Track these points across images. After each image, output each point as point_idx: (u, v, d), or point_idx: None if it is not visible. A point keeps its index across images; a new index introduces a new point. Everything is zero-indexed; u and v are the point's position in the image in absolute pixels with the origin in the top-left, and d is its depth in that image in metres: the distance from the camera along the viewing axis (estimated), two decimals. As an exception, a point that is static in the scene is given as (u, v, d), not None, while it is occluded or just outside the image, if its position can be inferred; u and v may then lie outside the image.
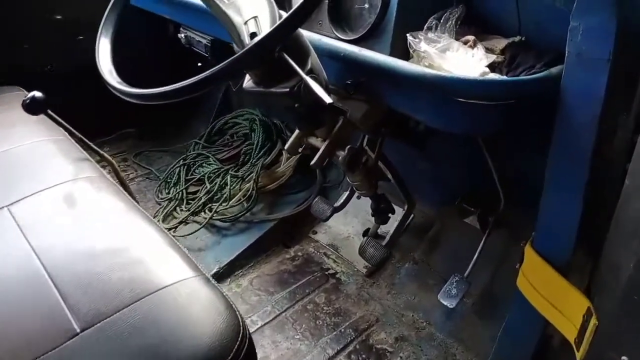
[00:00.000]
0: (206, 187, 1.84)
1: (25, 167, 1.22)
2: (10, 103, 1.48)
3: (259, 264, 1.61)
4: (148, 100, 0.78)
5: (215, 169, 1.91)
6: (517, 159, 1.27)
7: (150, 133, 2.38)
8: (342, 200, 1.54)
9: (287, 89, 0.91)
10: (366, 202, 1.54)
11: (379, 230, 1.59)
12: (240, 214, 1.68)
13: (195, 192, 1.90)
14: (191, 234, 1.65)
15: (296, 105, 0.95)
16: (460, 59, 1.02)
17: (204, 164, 1.97)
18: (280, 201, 1.78)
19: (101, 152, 1.37)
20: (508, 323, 1.09)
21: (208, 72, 0.72)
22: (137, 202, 1.33)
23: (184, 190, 1.89)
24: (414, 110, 0.97)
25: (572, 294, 0.93)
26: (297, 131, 1.21)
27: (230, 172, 1.85)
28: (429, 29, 1.05)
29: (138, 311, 0.83)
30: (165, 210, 1.83)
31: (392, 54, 1.04)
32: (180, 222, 1.74)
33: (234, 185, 1.78)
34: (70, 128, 1.32)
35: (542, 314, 0.99)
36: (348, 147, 1.10)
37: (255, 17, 0.82)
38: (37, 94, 1.23)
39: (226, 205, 1.70)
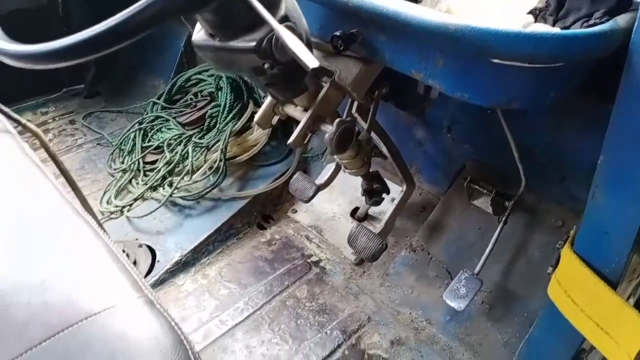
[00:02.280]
0: (166, 156, 1.57)
1: None
2: None
3: (229, 250, 1.37)
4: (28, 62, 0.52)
5: (176, 134, 1.63)
6: (545, 130, 1.04)
7: (103, 91, 2.07)
8: (326, 176, 1.30)
9: (253, 44, 0.66)
10: (355, 178, 1.31)
11: (370, 211, 1.37)
12: (205, 191, 1.43)
13: (153, 162, 1.62)
14: (148, 214, 1.39)
15: (265, 65, 0.70)
16: (492, 2, 0.77)
17: (163, 129, 1.69)
18: (253, 175, 1.53)
19: (23, 120, 1.08)
20: (534, 337, 0.89)
21: (120, 16, 0.45)
22: (76, 188, 1.07)
23: (140, 160, 1.61)
24: (427, 74, 0.73)
25: (627, 315, 0.73)
26: (268, 99, 0.95)
27: (193, 139, 1.58)
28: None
29: (64, 343, 0.60)
30: (119, 184, 1.56)
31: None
32: (136, 199, 1.47)
33: (197, 156, 1.51)
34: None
35: (581, 332, 0.80)
36: (337, 120, 0.85)
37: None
38: None
39: (189, 180, 1.44)
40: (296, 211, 1.48)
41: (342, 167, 1.11)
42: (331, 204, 1.45)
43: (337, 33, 0.76)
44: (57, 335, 0.61)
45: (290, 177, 1.49)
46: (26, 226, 0.79)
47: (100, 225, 0.82)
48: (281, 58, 0.68)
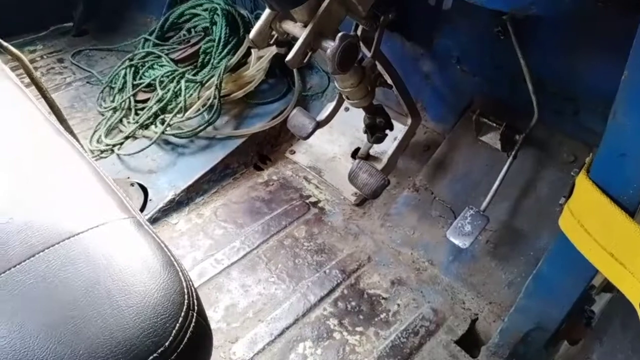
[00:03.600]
0: (157, 94, 1.49)
1: None
2: None
3: (224, 190, 1.32)
4: None
5: (168, 71, 1.54)
6: (561, 56, 0.96)
7: (92, 29, 1.97)
8: (327, 113, 1.23)
9: None
10: (356, 115, 1.24)
11: (371, 151, 1.31)
12: (199, 128, 1.36)
13: (145, 101, 1.55)
14: (140, 151, 1.33)
15: None
16: None
17: (155, 66, 1.60)
18: (250, 113, 1.46)
19: (4, 44, 1.00)
20: (543, 270, 0.85)
21: None
22: (59, 115, 1.00)
23: (131, 98, 1.54)
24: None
25: (645, 244, 0.68)
26: (265, 13, 0.87)
27: (186, 75, 1.50)
28: None
29: (45, 262, 0.56)
30: (109, 123, 1.49)
31: None
32: (127, 137, 1.41)
33: (191, 92, 1.44)
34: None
35: (594, 264, 0.75)
36: (340, 34, 0.77)
37: None
38: None
39: (182, 117, 1.37)
40: (294, 152, 1.42)
41: (344, 97, 1.04)
42: (331, 145, 1.39)
43: None
44: (38, 255, 0.57)
45: (289, 117, 1.43)
46: (10, 146, 0.74)
47: (84, 147, 0.77)
48: None
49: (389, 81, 1.06)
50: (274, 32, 0.88)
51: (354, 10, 0.81)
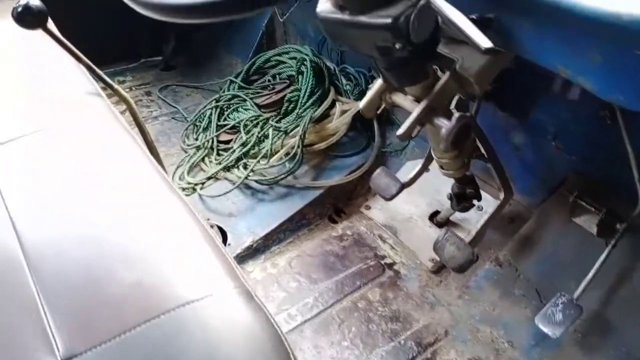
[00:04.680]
0: (241, 137, 1.53)
1: (10, 101, 0.92)
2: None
3: (299, 241, 1.32)
4: (172, 17, 0.47)
5: (253, 116, 1.59)
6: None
7: (180, 64, 2.07)
8: (411, 174, 1.22)
9: (389, 20, 0.60)
10: (437, 177, 1.22)
11: (452, 217, 1.29)
12: (280, 176, 1.38)
13: (227, 142, 1.60)
14: (222, 194, 1.36)
15: (396, 45, 0.64)
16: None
17: (240, 109, 1.66)
18: (329, 165, 1.47)
19: (115, 85, 1.06)
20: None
21: None
22: (160, 161, 1.04)
23: (214, 138, 1.59)
24: (575, 70, 0.64)
25: None
26: (377, 84, 0.88)
27: (270, 121, 1.54)
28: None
29: (160, 328, 0.57)
30: (192, 160, 1.54)
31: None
32: (209, 178, 1.45)
33: (275, 140, 1.47)
34: (76, 50, 1.01)
35: None
36: (458, 114, 0.77)
37: None
38: (33, 0, 0.92)
39: (265, 164, 1.40)
40: (370, 207, 1.41)
41: (439, 167, 1.03)
42: (408, 204, 1.37)
43: (473, 16, 0.68)
44: (154, 320, 0.57)
45: (367, 171, 1.43)
46: (119, 194, 0.76)
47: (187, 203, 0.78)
48: (416, 38, 0.61)
49: (484, 153, 1.05)
50: (383, 102, 0.89)
51: (468, 89, 0.81)
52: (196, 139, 1.63)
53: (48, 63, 1.04)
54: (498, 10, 0.67)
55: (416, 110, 0.79)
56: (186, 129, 1.69)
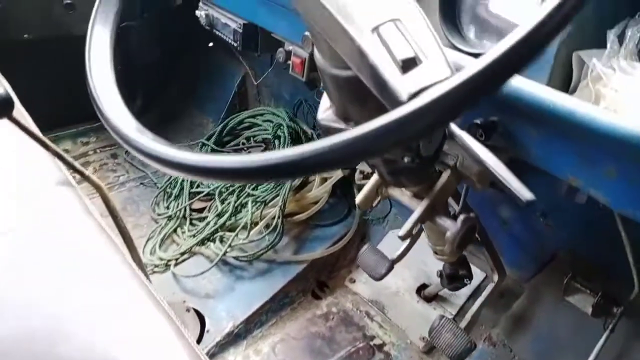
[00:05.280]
0: (216, 206, 1.46)
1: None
2: None
3: (282, 322, 1.25)
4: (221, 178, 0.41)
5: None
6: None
7: (147, 123, 1.96)
8: (400, 250, 1.18)
9: None
10: (422, 249, 1.19)
11: (440, 292, 1.25)
12: (261, 252, 1.31)
13: (201, 210, 1.52)
14: (199, 274, 1.27)
15: (405, 159, 0.60)
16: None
17: (214, 175, 1.59)
18: (310, 235, 1.42)
19: (86, 172, 0.97)
20: None
21: (327, 142, 0.34)
22: (134, 248, 0.96)
23: (187, 207, 1.51)
24: (587, 182, 0.62)
25: None
26: (373, 179, 0.84)
27: (247, 189, 1.48)
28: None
29: None
30: (164, 232, 1.45)
31: (550, 83, 0.67)
32: (183, 253, 1.36)
33: (253, 210, 1.41)
34: (44, 138, 0.93)
35: None
36: (463, 217, 0.74)
37: (394, 21, 0.44)
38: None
39: (244, 238, 1.33)
40: (354, 281, 1.36)
41: (433, 252, 0.99)
42: (394, 277, 1.33)
43: (477, 121, 0.66)
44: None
45: (350, 241, 1.39)
46: (83, 287, 0.69)
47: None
48: (426, 152, 0.58)
49: (478, 237, 1.02)
50: (379, 195, 0.85)
51: (469, 183, 0.78)
52: (167, 208, 1.55)
53: (15, 153, 0.95)
54: (504, 115, 0.65)
55: (417, 210, 0.75)
56: (156, 196, 1.60)
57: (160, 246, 1.41)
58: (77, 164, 0.98)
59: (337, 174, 1.41)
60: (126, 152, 1.83)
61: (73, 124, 1.88)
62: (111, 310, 0.65)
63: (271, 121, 1.65)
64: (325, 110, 0.65)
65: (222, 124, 1.75)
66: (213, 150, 1.70)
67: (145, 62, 1.88)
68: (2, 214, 0.83)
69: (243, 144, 1.71)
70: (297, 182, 1.43)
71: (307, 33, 0.91)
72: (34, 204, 0.87)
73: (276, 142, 1.57)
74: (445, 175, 0.76)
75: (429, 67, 0.42)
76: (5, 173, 0.91)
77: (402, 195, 0.81)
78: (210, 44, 1.93)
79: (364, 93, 0.56)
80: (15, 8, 1.51)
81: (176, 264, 1.33)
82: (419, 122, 0.32)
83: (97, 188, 1.02)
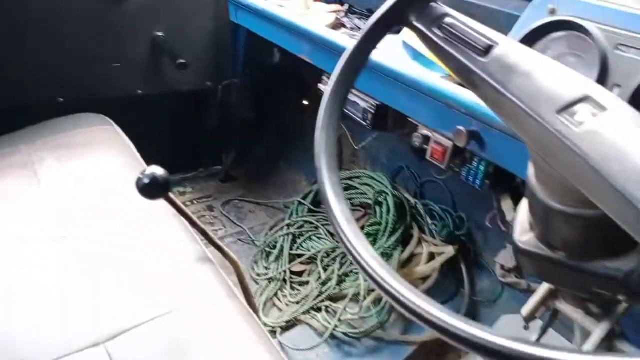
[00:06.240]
0: (318, 272, 1.46)
1: (136, 277, 0.86)
2: (99, 144, 1.17)
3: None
4: None
5: (329, 248, 1.52)
6: None
7: (240, 176, 2.02)
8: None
9: (620, 275, 0.54)
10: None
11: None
12: (371, 329, 1.28)
13: (300, 274, 1.52)
14: (310, 349, 1.25)
15: (619, 297, 0.57)
16: None
17: (314, 237, 1.59)
18: (417, 312, 1.38)
19: (225, 249, 1.00)
20: None
21: None
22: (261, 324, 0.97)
23: (287, 271, 1.51)
24: None
25: None
26: (542, 290, 0.81)
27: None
28: None
29: None
30: (265, 294, 1.45)
31: None
32: (289, 322, 1.35)
33: (356, 279, 1.39)
34: (192, 216, 0.95)
35: None
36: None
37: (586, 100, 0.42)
38: (158, 171, 0.87)
39: (355, 314, 1.31)
40: (464, 364, 1.30)
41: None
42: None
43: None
44: None
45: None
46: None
47: None
48: None
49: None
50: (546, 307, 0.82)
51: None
52: (267, 269, 1.55)
53: (161, 229, 0.99)
54: None
55: (596, 334, 0.71)
56: (255, 255, 1.61)
57: (263, 309, 1.41)
58: (218, 240, 1.01)
59: (449, 252, 1.38)
60: (222, 204, 1.86)
61: (170, 173, 1.93)
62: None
63: (370, 185, 1.64)
64: (524, 232, 0.63)
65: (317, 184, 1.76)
66: (310, 211, 1.70)
67: (243, 117, 1.93)
68: (157, 293, 0.85)
69: (340, 206, 1.70)
70: (405, 255, 1.40)
71: (461, 128, 0.91)
72: (182, 283, 0.90)
73: (377, 208, 1.56)
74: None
75: None
76: (154, 249, 0.94)
77: (574, 312, 0.77)
78: (305, 102, 1.98)
79: (597, 231, 0.54)
80: (132, 67, 1.59)
81: (282, 332, 1.32)
82: None
83: (234, 265, 1.05)
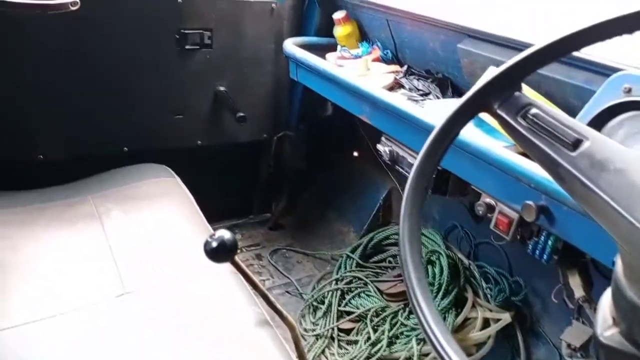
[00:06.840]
0: (368, 332, 1.43)
1: (198, 339, 0.87)
2: (162, 196, 1.20)
3: None
4: None
5: (379, 307, 1.49)
6: None
7: (288, 224, 2.04)
8: None
9: None
10: None
11: None
12: (423, 398, 1.24)
13: (348, 331, 1.49)
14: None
15: None
16: None
17: (363, 294, 1.57)
18: (471, 382, 1.33)
19: (284, 313, 0.99)
20: None
21: None
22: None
23: (335, 328, 1.49)
24: None
25: None
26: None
27: (400, 317, 1.43)
28: None
29: None
30: (313, 351, 1.43)
31: None
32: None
33: (408, 342, 1.35)
34: (255, 279, 0.96)
35: None
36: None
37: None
38: (226, 234, 0.88)
39: (406, 381, 1.27)
40: None
41: None
42: None
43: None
44: None
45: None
46: None
47: None
48: None
49: None
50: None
51: None
52: (314, 324, 1.53)
53: (223, 290, 1.00)
54: None
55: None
56: (303, 309, 1.60)
57: (310, 367, 1.39)
58: (278, 305, 1.01)
59: (505, 319, 1.33)
60: (270, 253, 1.88)
61: (221, 219, 1.97)
62: None
63: (424, 245, 1.62)
64: (607, 328, 0.60)
65: (366, 237, 1.75)
66: (358, 265, 1.69)
67: (295, 168, 1.97)
68: (216, 356, 0.86)
69: (389, 261, 1.69)
70: (459, 320, 1.36)
71: (530, 202, 0.89)
72: (240, 346, 0.90)
73: (429, 267, 1.53)
74: None
75: None
76: (212, 308, 0.95)
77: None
78: (355, 153, 2.00)
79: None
80: (194, 119, 1.66)
81: (331, 395, 1.30)
82: None
83: (290, 328, 1.04)
